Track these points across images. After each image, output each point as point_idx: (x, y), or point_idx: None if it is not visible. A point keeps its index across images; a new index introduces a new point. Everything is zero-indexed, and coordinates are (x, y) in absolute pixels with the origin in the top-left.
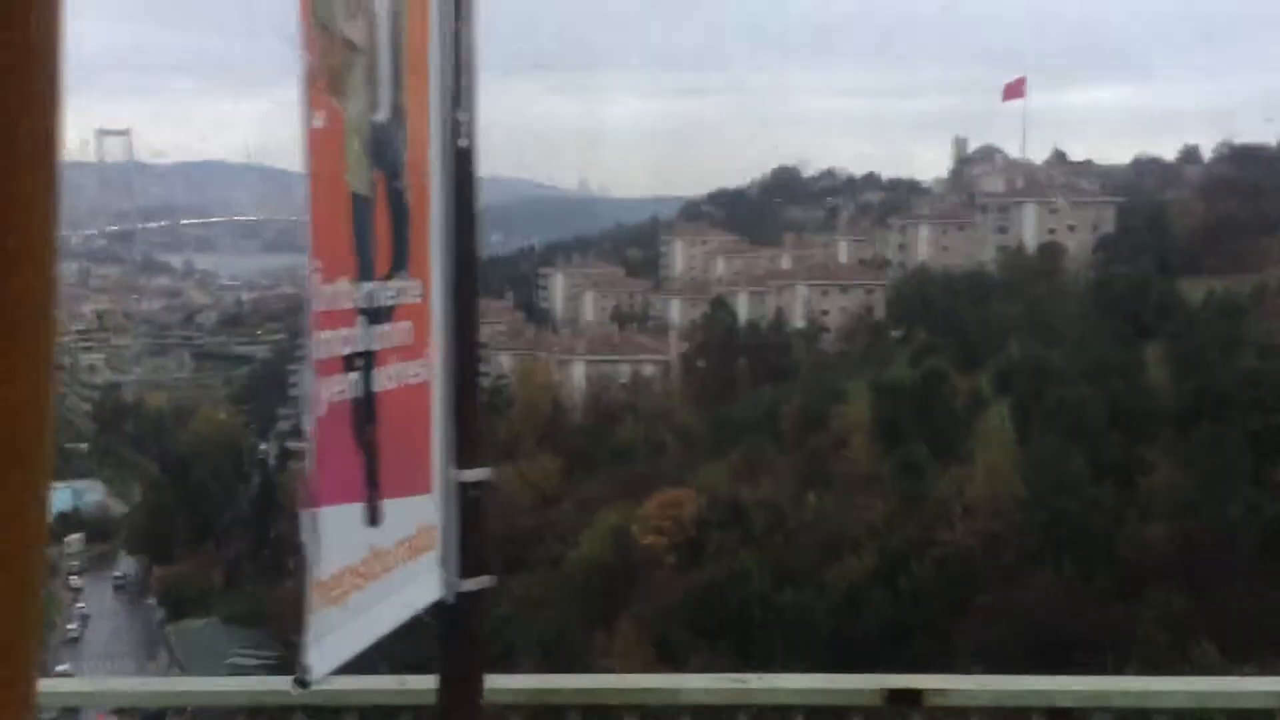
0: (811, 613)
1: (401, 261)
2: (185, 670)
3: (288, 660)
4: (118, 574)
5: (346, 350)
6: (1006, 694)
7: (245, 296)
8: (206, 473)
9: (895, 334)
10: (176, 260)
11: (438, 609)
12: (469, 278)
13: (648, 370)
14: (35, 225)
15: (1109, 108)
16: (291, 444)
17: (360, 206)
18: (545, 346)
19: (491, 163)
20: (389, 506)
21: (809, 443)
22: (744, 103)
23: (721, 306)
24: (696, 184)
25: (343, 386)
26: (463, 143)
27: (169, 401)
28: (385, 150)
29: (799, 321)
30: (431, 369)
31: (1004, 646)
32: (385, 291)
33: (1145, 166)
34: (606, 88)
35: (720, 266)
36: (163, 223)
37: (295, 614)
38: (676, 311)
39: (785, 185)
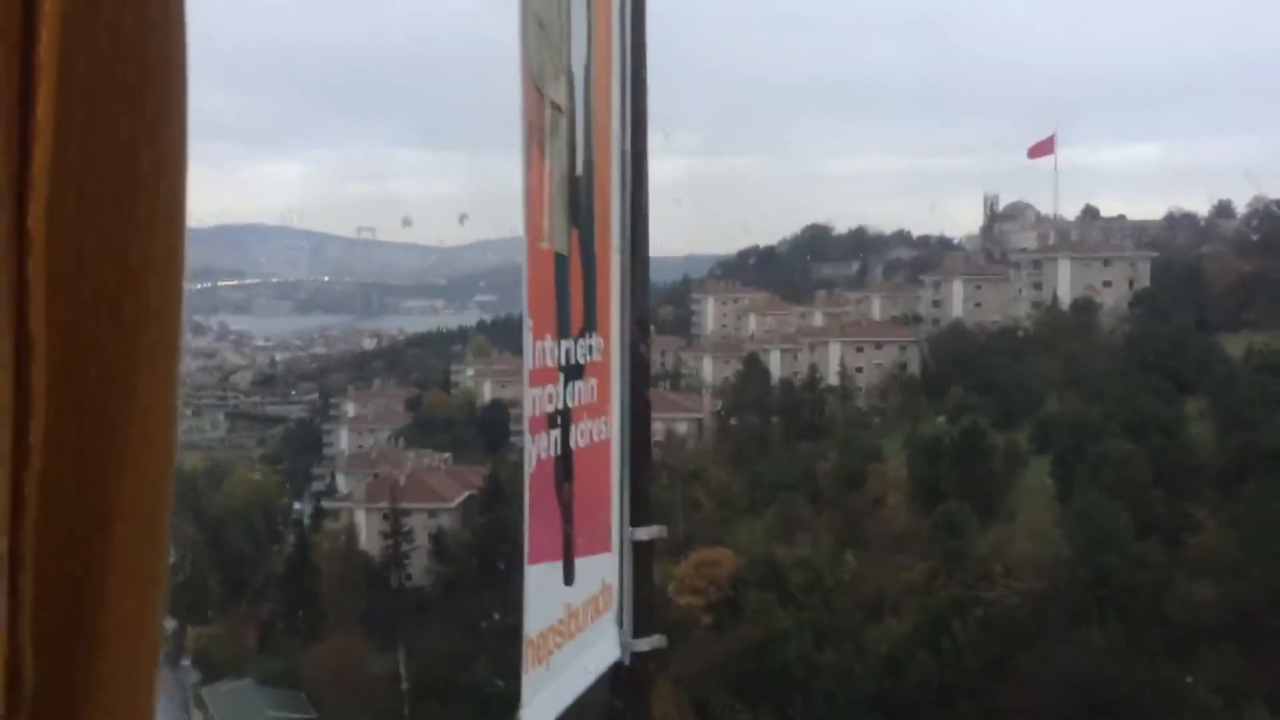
0: (852, 673)
1: (591, 318)
2: None
3: None
4: None
5: (550, 408)
6: None
7: (279, 357)
8: (241, 533)
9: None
10: (213, 321)
11: (612, 668)
12: (643, 335)
13: (681, 428)
14: (166, 200)
15: (1141, 163)
16: (325, 503)
17: (560, 264)
18: None
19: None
20: (579, 565)
21: (846, 501)
22: (775, 161)
23: (754, 364)
24: (728, 242)
25: (547, 444)
26: (638, 198)
27: (204, 461)
28: (580, 208)
29: (832, 378)
30: (611, 427)
31: (1048, 708)
32: (579, 349)
33: (1178, 221)
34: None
35: (752, 324)
36: (202, 285)
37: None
38: (709, 369)
39: (817, 243)
